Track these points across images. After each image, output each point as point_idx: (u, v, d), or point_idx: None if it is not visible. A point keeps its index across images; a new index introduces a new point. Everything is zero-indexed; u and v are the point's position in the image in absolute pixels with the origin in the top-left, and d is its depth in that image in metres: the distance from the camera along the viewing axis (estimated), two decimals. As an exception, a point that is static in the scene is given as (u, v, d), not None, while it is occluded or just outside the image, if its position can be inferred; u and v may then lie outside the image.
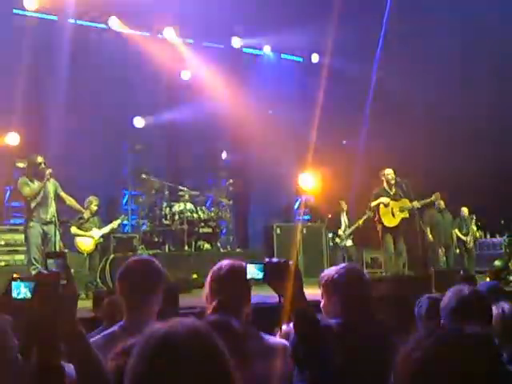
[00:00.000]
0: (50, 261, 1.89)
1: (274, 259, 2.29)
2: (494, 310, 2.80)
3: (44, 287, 1.77)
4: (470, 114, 11.91)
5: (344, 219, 11.40)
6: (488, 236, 12.95)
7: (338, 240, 11.25)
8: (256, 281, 2.26)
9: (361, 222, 10.79)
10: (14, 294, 1.79)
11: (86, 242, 9.16)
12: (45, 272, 1.81)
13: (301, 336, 2.18)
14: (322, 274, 2.71)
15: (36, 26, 10.89)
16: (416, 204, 9.49)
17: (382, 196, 9.49)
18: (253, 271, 2.23)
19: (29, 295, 1.79)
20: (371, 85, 10.53)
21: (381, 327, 2.55)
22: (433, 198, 10.03)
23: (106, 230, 9.43)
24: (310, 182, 12.58)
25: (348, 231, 11.24)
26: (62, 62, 10.82)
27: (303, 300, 2.21)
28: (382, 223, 9.42)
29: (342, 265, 2.77)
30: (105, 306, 4.34)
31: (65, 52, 10.87)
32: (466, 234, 12.07)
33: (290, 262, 2.26)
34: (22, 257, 8.67)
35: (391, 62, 11.64)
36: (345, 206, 11.44)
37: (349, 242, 11.33)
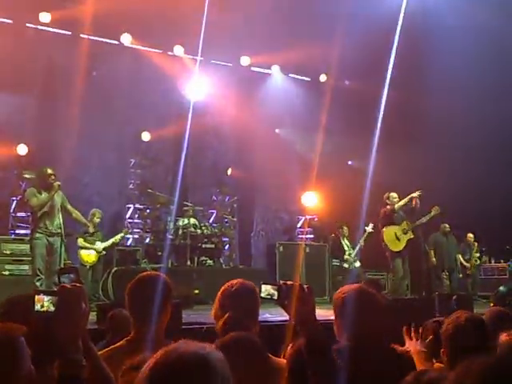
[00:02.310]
0: (63, 276, 1.93)
1: (289, 281, 2.32)
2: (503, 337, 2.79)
3: (68, 301, 1.80)
4: (482, 141, 11.94)
5: (345, 243, 11.41)
6: (493, 261, 12.93)
7: (346, 265, 11.20)
8: (269, 300, 2.29)
9: (362, 241, 10.82)
10: (37, 307, 1.82)
11: (90, 254, 9.21)
12: (68, 286, 1.84)
13: (311, 361, 2.19)
14: (334, 295, 2.70)
15: (49, 41, 11.03)
16: (416, 223, 9.54)
17: (391, 223, 9.48)
18: (268, 291, 2.27)
19: (52, 308, 1.82)
20: (380, 105, 10.56)
21: (389, 353, 2.54)
22: (432, 212, 9.93)
23: (109, 243, 9.50)
24: (313, 202, 12.61)
25: (353, 253, 11.25)
26: (74, 76, 10.92)
27: (315, 325, 2.22)
28: (390, 250, 9.44)
29: (354, 286, 2.73)
30: (109, 319, 4.36)
31: (76, 66, 10.99)
32: (468, 261, 12.07)
33: (306, 285, 2.28)
34: (26, 267, 8.69)
35: (401, 81, 11.68)
36: (346, 231, 11.44)
37: (357, 264, 11.34)
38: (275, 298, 2.24)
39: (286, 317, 2.29)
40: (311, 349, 2.18)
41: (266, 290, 2.25)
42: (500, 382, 1.18)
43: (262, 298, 2.26)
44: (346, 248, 11.36)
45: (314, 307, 2.24)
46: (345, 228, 11.44)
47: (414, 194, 9.46)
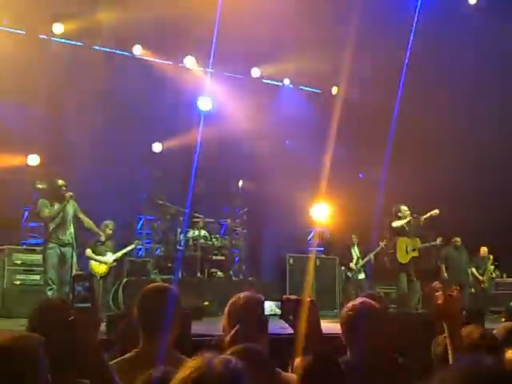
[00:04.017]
0: (77, 283, 1.94)
1: (292, 296, 2.32)
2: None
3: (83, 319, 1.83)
4: (496, 152, 11.89)
5: (355, 252, 11.38)
6: (505, 276, 12.80)
7: (349, 274, 11.22)
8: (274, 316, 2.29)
9: (372, 255, 10.78)
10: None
11: (100, 265, 9.24)
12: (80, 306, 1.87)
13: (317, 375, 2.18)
14: (342, 311, 2.71)
15: (61, 51, 11.14)
16: (423, 245, 9.54)
17: (401, 233, 9.47)
18: (271, 307, 2.27)
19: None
20: (392, 118, 10.56)
21: (393, 366, 2.53)
22: (437, 242, 10.05)
23: (120, 254, 9.52)
24: (323, 214, 12.57)
25: (360, 263, 11.22)
26: (85, 86, 11.03)
27: (319, 338, 2.22)
28: (396, 257, 9.42)
29: (355, 301, 2.76)
30: (119, 329, 4.35)
31: (88, 77, 11.09)
32: (483, 274, 11.96)
33: (307, 299, 2.28)
34: (37, 277, 8.73)
35: (413, 94, 11.67)
36: (355, 240, 11.42)
37: (361, 275, 11.28)
38: (279, 314, 2.24)
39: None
40: (317, 363, 2.17)
41: (270, 306, 2.26)
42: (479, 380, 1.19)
43: (259, 312, 2.26)
44: (354, 256, 11.35)
45: (318, 321, 2.24)
46: (354, 237, 11.42)
47: (434, 212, 9.51)
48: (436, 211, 9.40)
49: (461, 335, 2.22)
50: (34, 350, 1.60)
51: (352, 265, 11.25)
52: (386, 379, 2.43)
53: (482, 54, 11.81)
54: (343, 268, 11.38)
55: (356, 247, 11.41)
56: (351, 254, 11.38)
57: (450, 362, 2.17)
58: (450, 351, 2.19)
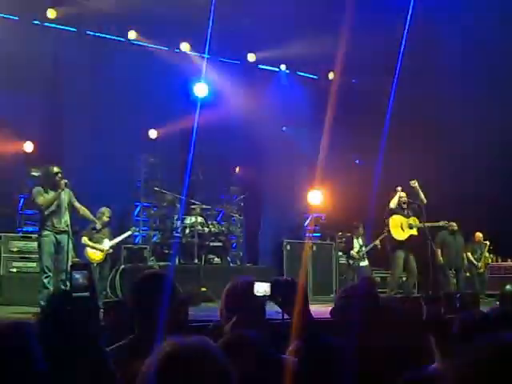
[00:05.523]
0: (75, 272, 1.93)
1: (281, 277, 2.33)
2: None
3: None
4: (493, 138, 11.88)
5: (358, 242, 11.45)
6: (500, 260, 12.87)
7: (351, 261, 11.28)
8: (263, 297, 2.30)
9: (378, 241, 10.85)
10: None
11: (96, 252, 9.24)
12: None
13: (306, 356, 2.20)
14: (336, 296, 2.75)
15: (55, 37, 11.06)
16: (424, 225, 9.57)
17: (396, 213, 9.58)
18: (261, 288, 2.27)
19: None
20: (389, 103, 10.53)
21: (385, 350, 2.55)
22: (441, 223, 10.12)
23: (116, 241, 9.52)
24: (319, 200, 12.59)
25: (364, 250, 11.30)
26: (80, 73, 10.97)
27: (308, 318, 2.24)
28: (391, 234, 9.52)
29: (349, 285, 2.79)
30: (107, 316, 4.36)
31: (82, 63, 11.02)
32: (479, 260, 12.02)
33: (297, 280, 2.29)
34: (33, 264, 8.73)
35: (410, 79, 11.62)
36: (361, 232, 11.49)
37: (365, 262, 11.36)
38: (268, 295, 2.25)
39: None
40: (304, 344, 2.19)
41: (259, 287, 2.26)
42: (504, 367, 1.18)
43: (256, 296, 2.26)
44: (356, 246, 11.40)
45: (304, 303, 2.24)
46: (360, 228, 11.50)
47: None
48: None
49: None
50: (25, 335, 1.59)
51: (353, 252, 11.31)
52: (377, 362, 2.44)
53: (483, 36, 11.71)
54: (345, 256, 11.45)
55: (360, 238, 11.48)
56: (353, 243, 11.45)
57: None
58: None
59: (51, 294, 2.62)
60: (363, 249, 11.36)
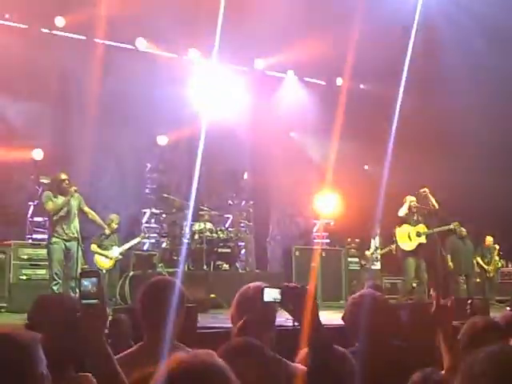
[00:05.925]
0: (85, 279, 1.93)
1: (292, 284, 2.32)
2: None
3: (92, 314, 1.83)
4: (505, 140, 11.82)
5: (375, 242, 11.45)
6: (510, 265, 12.78)
7: (363, 262, 11.26)
8: (273, 303, 2.29)
9: (394, 246, 10.85)
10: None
11: (105, 259, 9.27)
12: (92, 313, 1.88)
13: (315, 364, 2.19)
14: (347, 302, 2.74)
15: (64, 46, 11.12)
16: (433, 230, 9.52)
17: (405, 221, 9.54)
18: (271, 294, 2.26)
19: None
20: (396, 109, 10.51)
21: (396, 354, 2.53)
22: (451, 226, 10.05)
23: (125, 247, 9.55)
24: (328, 206, 12.57)
25: (378, 252, 11.29)
26: (89, 80, 11.01)
27: (319, 326, 2.22)
28: (398, 245, 9.51)
29: (362, 292, 2.78)
30: (109, 324, 4.35)
31: (91, 71, 11.06)
32: (489, 264, 11.94)
33: (307, 287, 2.28)
34: (43, 271, 8.74)
35: (418, 85, 11.60)
36: (378, 230, 11.48)
37: (377, 266, 11.33)
38: (278, 301, 2.23)
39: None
40: (314, 352, 2.18)
41: (269, 293, 2.24)
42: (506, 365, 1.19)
43: (265, 302, 2.24)
44: (372, 246, 11.39)
45: (314, 310, 2.23)
46: (377, 228, 11.50)
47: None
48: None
49: (454, 341, 2.25)
50: (28, 343, 1.59)
51: (368, 253, 11.30)
52: (389, 367, 2.43)
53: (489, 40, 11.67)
54: (358, 257, 11.45)
55: (377, 238, 11.49)
56: (369, 244, 11.46)
57: (445, 362, 2.20)
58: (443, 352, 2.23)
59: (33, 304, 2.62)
60: (378, 251, 11.34)
